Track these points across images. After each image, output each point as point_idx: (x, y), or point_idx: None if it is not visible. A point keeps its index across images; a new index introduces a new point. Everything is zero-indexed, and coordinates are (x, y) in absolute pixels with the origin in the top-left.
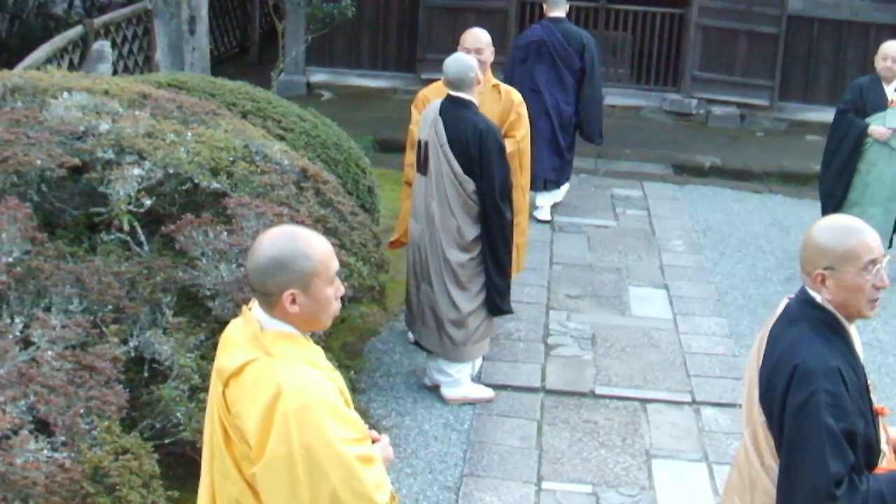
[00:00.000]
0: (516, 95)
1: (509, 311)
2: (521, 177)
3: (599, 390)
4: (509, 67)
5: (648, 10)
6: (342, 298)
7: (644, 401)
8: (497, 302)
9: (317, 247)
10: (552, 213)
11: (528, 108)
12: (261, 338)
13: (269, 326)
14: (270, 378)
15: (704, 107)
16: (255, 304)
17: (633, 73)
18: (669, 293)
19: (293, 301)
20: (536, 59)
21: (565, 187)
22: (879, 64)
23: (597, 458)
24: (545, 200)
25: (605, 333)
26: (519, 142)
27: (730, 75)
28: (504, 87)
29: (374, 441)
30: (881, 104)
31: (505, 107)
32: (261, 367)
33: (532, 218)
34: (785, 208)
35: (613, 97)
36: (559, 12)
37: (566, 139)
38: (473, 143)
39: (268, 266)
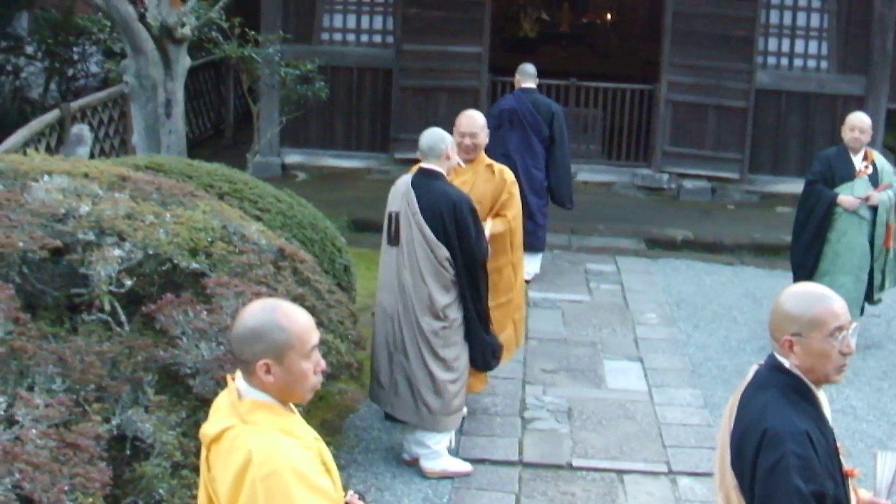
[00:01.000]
0: (509, 175)
1: (496, 365)
2: (513, 255)
3: (576, 462)
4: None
5: (618, 86)
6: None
7: (621, 472)
8: (486, 357)
9: (295, 319)
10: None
11: None
12: (238, 406)
13: (246, 395)
14: (243, 445)
15: (675, 181)
16: (238, 374)
17: (605, 149)
18: (644, 366)
19: (267, 371)
20: (509, 127)
21: (538, 258)
22: (847, 135)
23: None
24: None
25: (581, 406)
26: (510, 221)
27: (700, 149)
28: (497, 166)
29: None
30: (849, 174)
31: (497, 186)
32: (236, 434)
33: None
34: (757, 279)
35: (585, 173)
36: (530, 83)
37: (538, 202)
38: (448, 213)
39: (245, 336)
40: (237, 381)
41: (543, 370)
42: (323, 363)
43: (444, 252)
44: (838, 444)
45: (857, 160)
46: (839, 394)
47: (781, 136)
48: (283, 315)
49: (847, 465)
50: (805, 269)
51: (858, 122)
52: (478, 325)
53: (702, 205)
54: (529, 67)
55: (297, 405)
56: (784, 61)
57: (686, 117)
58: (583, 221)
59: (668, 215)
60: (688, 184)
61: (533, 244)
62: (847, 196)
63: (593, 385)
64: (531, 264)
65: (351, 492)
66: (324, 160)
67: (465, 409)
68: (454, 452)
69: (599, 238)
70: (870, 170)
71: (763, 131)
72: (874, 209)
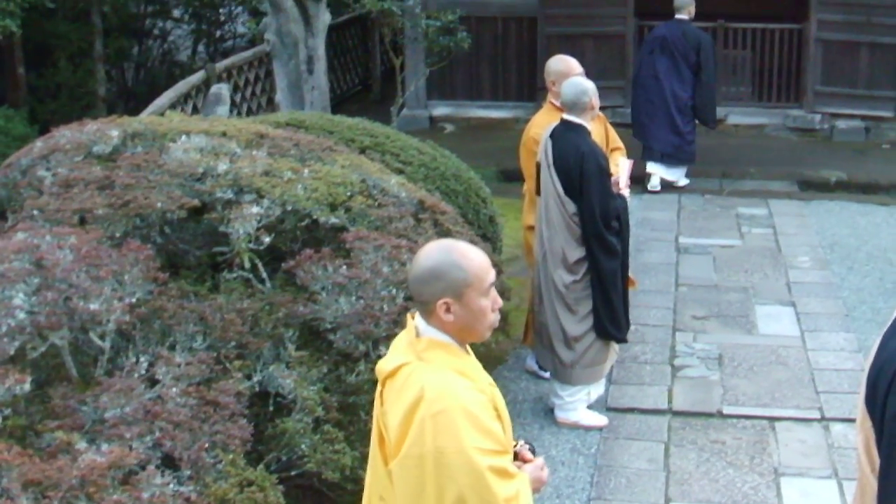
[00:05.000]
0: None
1: (619, 339)
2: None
3: (727, 410)
4: (639, 58)
5: (767, 26)
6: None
7: (772, 419)
8: (605, 326)
9: (472, 259)
10: (660, 183)
11: (650, 93)
12: (415, 344)
13: (424, 333)
14: (417, 382)
15: (828, 121)
16: (417, 313)
17: (755, 91)
18: (797, 310)
19: (447, 310)
20: (659, 53)
21: (682, 171)
22: None
23: (725, 478)
24: (657, 170)
25: (732, 353)
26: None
27: (852, 88)
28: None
29: (526, 461)
30: None
31: (601, 129)
32: (411, 371)
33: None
34: None
35: (735, 116)
36: (683, 15)
37: (682, 119)
38: (575, 167)
39: (423, 276)
40: (416, 319)
41: (694, 317)
42: (500, 300)
43: (572, 206)
44: None
45: None
46: None
47: None
48: (460, 254)
49: None
50: None
51: None
52: (598, 288)
53: (855, 145)
54: (683, 0)
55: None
56: None
57: (837, 56)
58: (734, 165)
59: (821, 156)
60: (841, 124)
61: (678, 156)
62: None
63: (744, 331)
64: (677, 174)
65: (522, 441)
66: (471, 111)
67: (611, 362)
68: (599, 403)
69: (751, 181)
70: None
71: None
72: None
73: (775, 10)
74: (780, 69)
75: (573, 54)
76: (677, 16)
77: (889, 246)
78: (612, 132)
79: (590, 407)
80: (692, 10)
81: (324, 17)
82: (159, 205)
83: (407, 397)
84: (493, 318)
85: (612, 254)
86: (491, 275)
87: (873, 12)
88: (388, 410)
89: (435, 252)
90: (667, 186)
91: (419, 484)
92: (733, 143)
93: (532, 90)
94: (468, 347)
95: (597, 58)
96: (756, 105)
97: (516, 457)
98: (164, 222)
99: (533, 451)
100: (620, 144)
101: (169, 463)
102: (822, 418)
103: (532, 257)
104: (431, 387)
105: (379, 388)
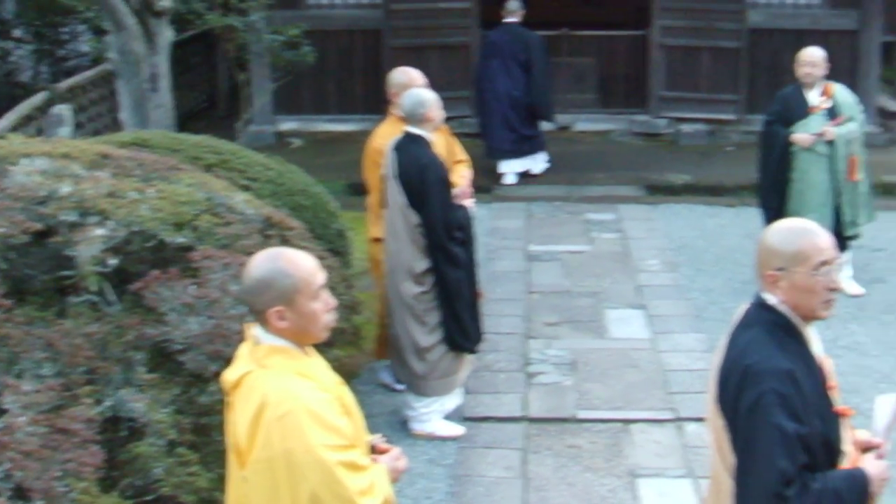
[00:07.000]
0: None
1: (470, 350)
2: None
3: (582, 414)
4: (476, 64)
5: (610, 34)
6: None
7: (627, 421)
8: (455, 337)
9: (299, 264)
10: (517, 179)
11: (486, 95)
12: (255, 351)
13: (263, 341)
14: (260, 388)
15: (673, 126)
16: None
17: (600, 98)
18: (647, 313)
19: (281, 317)
20: (492, 55)
21: (532, 161)
22: (799, 71)
23: (582, 483)
24: (507, 167)
25: (585, 358)
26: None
27: (696, 92)
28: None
29: (383, 452)
30: (804, 112)
31: (448, 140)
32: (254, 378)
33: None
34: (759, 220)
35: (581, 123)
36: (513, 18)
37: (518, 116)
38: (416, 179)
39: (253, 287)
40: (254, 328)
41: (546, 323)
42: (332, 301)
43: (416, 218)
44: (832, 383)
45: (814, 96)
46: (844, 329)
47: (778, 75)
48: (286, 261)
49: (842, 405)
50: (772, 210)
51: (808, 58)
52: (445, 299)
53: (701, 148)
54: (512, 4)
55: None
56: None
57: (680, 61)
58: (582, 171)
59: (668, 160)
60: (686, 128)
61: (520, 151)
62: (800, 134)
63: (596, 335)
64: (528, 164)
65: (379, 435)
66: (319, 125)
67: (465, 372)
68: (455, 413)
69: (599, 187)
70: (827, 104)
71: (759, 71)
72: (833, 144)
73: (618, 18)
74: (625, 75)
75: (418, 66)
76: (507, 19)
77: (736, 246)
78: (457, 144)
79: (447, 417)
80: (521, 13)
81: (166, 34)
82: (2, 230)
83: (252, 404)
84: (327, 318)
85: (456, 264)
86: (319, 277)
87: (714, 17)
88: (237, 419)
89: (262, 262)
90: (518, 196)
91: (273, 487)
92: (580, 150)
93: (378, 103)
94: (310, 349)
95: (442, 69)
96: (602, 111)
97: (374, 450)
98: (8, 248)
99: (391, 444)
100: (464, 157)
101: (20, 494)
102: (676, 419)
103: (378, 269)
104: (274, 391)
105: (226, 398)
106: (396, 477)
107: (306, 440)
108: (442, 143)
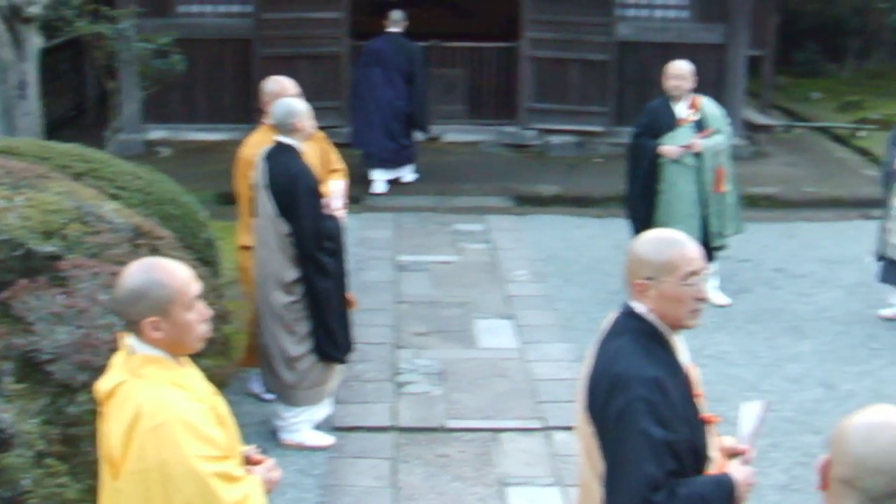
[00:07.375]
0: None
1: (339, 360)
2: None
3: (451, 424)
4: (356, 71)
5: (480, 45)
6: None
7: (495, 430)
8: (324, 347)
9: (174, 274)
10: (387, 187)
11: (366, 103)
12: (129, 361)
13: (138, 350)
14: (134, 398)
15: (542, 137)
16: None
17: (470, 109)
18: (516, 323)
19: (155, 328)
20: (375, 64)
21: (404, 170)
22: (667, 84)
23: (452, 492)
24: (379, 175)
25: (454, 367)
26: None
27: (565, 104)
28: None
29: (257, 463)
30: (672, 124)
31: (323, 148)
32: (128, 389)
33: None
34: (627, 231)
35: (451, 133)
36: (397, 28)
37: (398, 126)
38: (286, 189)
39: (127, 297)
40: (128, 337)
41: (415, 333)
42: (207, 311)
43: (285, 228)
44: (698, 391)
45: (682, 108)
46: (710, 338)
47: (646, 88)
48: (162, 272)
49: (708, 412)
50: (639, 220)
51: (676, 70)
52: (314, 309)
53: (569, 159)
54: (395, 14)
55: None
56: (644, 13)
57: (549, 73)
58: (451, 182)
59: (536, 171)
60: (554, 139)
61: (397, 160)
62: (668, 146)
63: (465, 345)
64: (400, 173)
65: (253, 446)
66: (188, 134)
67: (335, 382)
68: (324, 423)
69: (467, 198)
70: (695, 117)
71: (627, 83)
72: (700, 156)
73: (489, 29)
74: (495, 87)
75: (289, 75)
76: (390, 29)
77: (604, 257)
78: (333, 153)
79: (317, 427)
80: (405, 24)
81: (35, 41)
82: None
83: (126, 414)
84: (202, 329)
85: (326, 274)
86: (194, 288)
87: (583, 30)
88: (110, 430)
89: (137, 272)
90: (387, 206)
91: (146, 498)
92: (449, 161)
93: (248, 112)
94: (185, 359)
95: (312, 78)
96: (471, 122)
97: (248, 461)
98: None
99: (265, 454)
100: (340, 166)
101: None
102: (544, 428)
103: (247, 277)
104: (148, 401)
105: (99, 408)
106: (271, 488)
107: (181, 451)
108: (316, 152)
